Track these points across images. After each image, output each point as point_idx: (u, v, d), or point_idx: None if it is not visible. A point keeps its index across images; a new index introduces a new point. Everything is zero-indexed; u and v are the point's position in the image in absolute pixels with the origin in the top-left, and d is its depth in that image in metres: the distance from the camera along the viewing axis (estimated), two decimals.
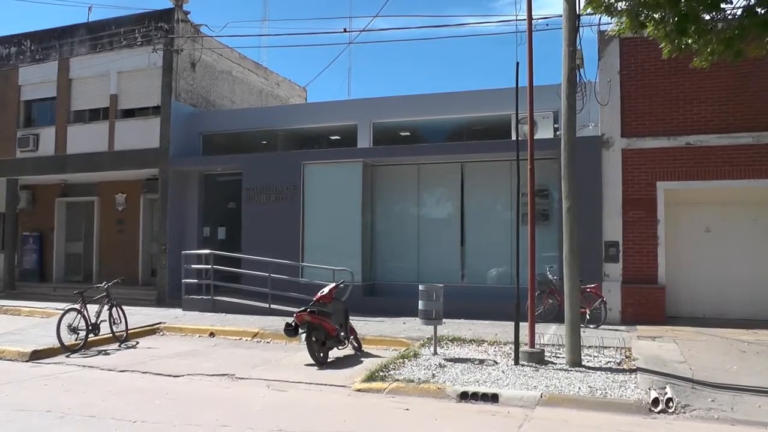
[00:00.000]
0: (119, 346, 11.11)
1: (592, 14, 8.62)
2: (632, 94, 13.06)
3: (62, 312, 10.68)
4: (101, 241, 19.68)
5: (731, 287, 12.82)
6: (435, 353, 9.59)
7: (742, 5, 8.05)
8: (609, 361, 8.99)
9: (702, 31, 8.02)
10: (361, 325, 11.68)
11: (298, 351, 10.11)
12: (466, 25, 48.27)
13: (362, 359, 9.73)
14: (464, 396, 7.37)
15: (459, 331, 11.37)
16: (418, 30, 51.02)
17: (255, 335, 11.89)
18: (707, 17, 8.07)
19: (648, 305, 12.49)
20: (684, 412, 6.64)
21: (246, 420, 6.52)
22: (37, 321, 13.67)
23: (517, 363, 8.81)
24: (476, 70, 64.78)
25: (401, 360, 9.08)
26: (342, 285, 11.04)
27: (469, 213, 14.86)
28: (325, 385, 8.16)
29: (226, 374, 8.77)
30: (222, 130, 17.96)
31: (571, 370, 8.38)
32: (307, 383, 8.25)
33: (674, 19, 7.80)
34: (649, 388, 7.27)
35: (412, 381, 7.89)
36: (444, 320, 9.96)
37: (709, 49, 8.32)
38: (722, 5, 7.91)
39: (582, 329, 9.16)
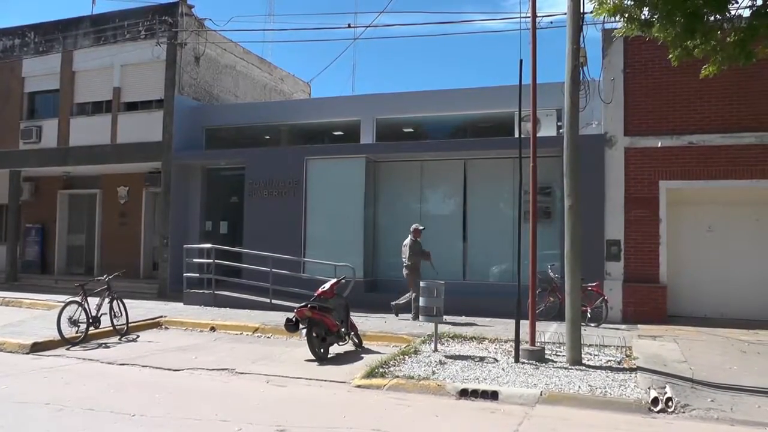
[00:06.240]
0: (120, 339, 11.12)
1: (605, 16, 8.52)
2: (636, 93, 13.02)
3: (63, 304, 10.68)
4: (103, 233, 19.74)
5: (733, 287, 12.80)
6: (435, 350, 9.58)
7: (747, 5, 7.99)
8: (609, 360, 8.98)
9: (710, 32, 7.95)
10: (362, 321, 11.68)
11: (299, 346, 10.12)
12: (472, 22, 48.04)
13: (363, 355, 9.73)
14: (464, 393, 7.36)
15: (460, 328, 11.38)
16: (424, 26, 50.84)
17: (256, 330, 11.90)
18: (712, 19, 7.99)
19: (649, 304, 12.48)
20: (683, 412, 6.63)
21: (245, 415, 6.52)
22: (38, 313, 13.69)
23: (517, 361, 8.80)
24: (481, 67, 64.63)
25: (402, 356, 9.08)
26: (343, 281, 11.04)
27: (472, 210, 14.84)
28: (325, 380, 8.16)
29: (226, 369, 8.77)
30: (225, 125, 17.96)
31: (571, 369, 8.38)
32: (307, 379, 8.25)
33: (681, 19, 7.73)
34: (649, 388, 7.26)
35: (412, 378, 7.88)
36: (445, 317, 9.95)
37: (719, 56, 8.23)
38: (728, 5, 7.84)
39: (583, 328, 9.16)
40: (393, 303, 13.01)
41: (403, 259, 12.88)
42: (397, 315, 12.90)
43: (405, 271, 12.83)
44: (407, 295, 12.85)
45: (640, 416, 6.66)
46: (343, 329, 9.84)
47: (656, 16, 8.09)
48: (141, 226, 19.15)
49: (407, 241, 12.90)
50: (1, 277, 19.31)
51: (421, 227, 13.03)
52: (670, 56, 8.59)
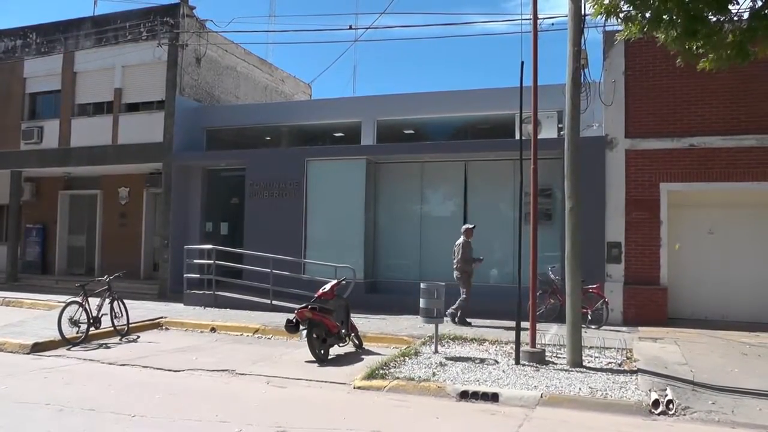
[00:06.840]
0: (120, 339, 11.12)
1: (603, 18, 8.51)
2: (637, 95, 13.02)
3: (64, 305, 10.67)
4: (104, 234, 19.77)
5: (733, 289, 12.79)
6: (436, 351, 9.57)
7: (748, 6, 8.00)
8: (610, 362, 8.97)
9: (710, 32, 7.96)
10: (363, 322, 11.68)
11: (299, 347, 10.11)
12: (473, 24, 48.06)
13: (363, 357, 9.72)
14: (464, 395, 7.35)
15: (460, 330, 11.37)
16: (425, 28, 50.88)
17: (256, 331, 11.89)
18: (713, 19, 8.01)
19: (650, 306, 12.47)
20: (684, 414, 6.62)
21: (245, 416, 6.51)
22: (38, 313, 13.69)
23: (517, 363, 8.79)
24: (482, 69, 64.70)
25: (402, 358, 9.06)
26: (344, 282, 11.03)
27: (472, 211, 14.82)
28: (326, 382, 8.16)
29: (226, 370, 8.77)
30: (226, 126, 17.98)
31: (571, 371, 8.36)
32: (307, 380, 8.24)
33: (681, 21, 7.74)
34: (650, 390, 7.25)
35: (413, 379, 7.87)
36: (445, 318, 9.93)
37: (720, 54, 8.25)
38: (729, 6, 7.84)
39: (583, 330, 9.14)
40: (447, 312, 11.73)
41: (453, 262, 12.48)
42: (459, 323, 12.17)
43: (456, 274, 12.34)
44: (460, 299, 12.33)
45: (640, 418, 6.65)
46: (343, 330, 9.84)
47: (655, 18, 8.09)
48: (141, 227, 19.16)
49: (459, 241, 12.49)
50: (2, 278, 19.32)
51: (472, 226, 12.61)
52: (676, 55, 8.61)
